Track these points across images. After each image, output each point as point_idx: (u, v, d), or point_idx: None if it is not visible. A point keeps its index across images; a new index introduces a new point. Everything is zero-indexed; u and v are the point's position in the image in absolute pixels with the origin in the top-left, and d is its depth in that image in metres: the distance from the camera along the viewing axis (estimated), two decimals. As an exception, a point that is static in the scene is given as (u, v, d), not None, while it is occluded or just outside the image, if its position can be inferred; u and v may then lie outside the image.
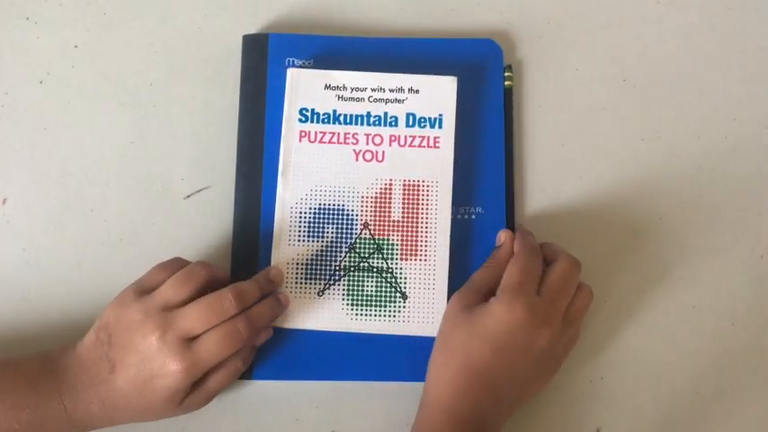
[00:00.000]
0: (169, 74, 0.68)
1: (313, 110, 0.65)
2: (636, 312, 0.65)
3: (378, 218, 0.63)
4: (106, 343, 0.56)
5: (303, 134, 0.64)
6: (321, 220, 0.63)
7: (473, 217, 0.65)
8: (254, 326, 0.57)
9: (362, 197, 0.64)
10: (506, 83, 0.67)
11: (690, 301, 0.65)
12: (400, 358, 0.62)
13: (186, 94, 0.68)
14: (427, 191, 0.64)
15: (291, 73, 0.65)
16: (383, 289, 0.63)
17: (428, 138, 0.64)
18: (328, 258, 0.63)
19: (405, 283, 0.63)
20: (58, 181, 0.66)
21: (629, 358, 0.64)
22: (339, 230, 0.63)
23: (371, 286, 0.63)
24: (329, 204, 0.63)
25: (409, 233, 0.63)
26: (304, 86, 0.65)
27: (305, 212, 0.63)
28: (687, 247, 0.66)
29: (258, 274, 0.61)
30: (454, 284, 0.62)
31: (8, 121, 0.67)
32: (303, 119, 0.64)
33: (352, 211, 0.63)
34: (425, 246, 0.63)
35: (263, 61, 0.66)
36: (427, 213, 0.63)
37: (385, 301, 0.62)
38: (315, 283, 0.62)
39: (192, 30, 0.69)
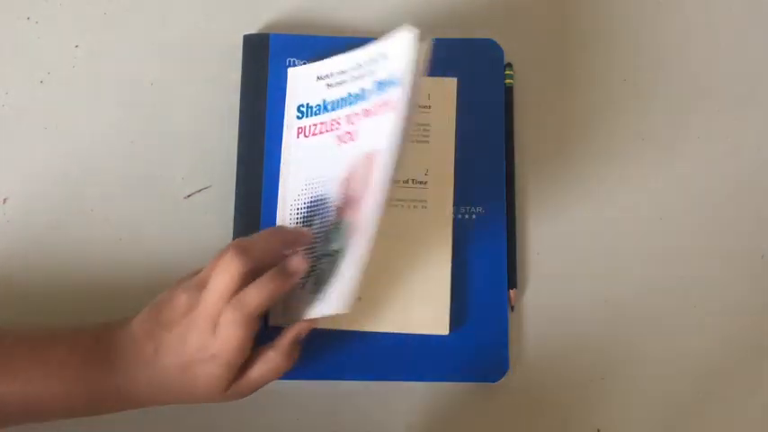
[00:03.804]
0: (169, 74, 0.68)
1: (308, 104, 0.64)
2: (636, 312, 0.65)
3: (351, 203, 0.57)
4: (154, 320, 0.55)
5: (300, 130, 0.64)
6: (312, 214, 0.61)
7: (473, 217, 0.65)
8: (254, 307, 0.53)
9: (340, 182, 0.59)
10: (507, 81, 0.67)
11: (690, 301, 0.65)
12: (400, 358, 0.62)
13: (186, 94, 0.68)
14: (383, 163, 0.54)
15: (291, 73, 0.65)
16: (383, 287, 0.62)
17: (390, 102, 0.56)
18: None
19: None
20: (58, 181, 0.66)
21: (629, 358, 0.64)
22: (323, 222, 0.59)
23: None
24: (317, 196, 0.61)
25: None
26: (302, 84, 0.64)
27: (301, 209, 0.62)
28: (687, 246, 0.66)
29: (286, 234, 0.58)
30: (455, 283, 0.62)
31: (8, 121, 0.67)
32: (300, 115, 0.64)
33: (331, 198, 0.59)
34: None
35: (264, 61, 0.66)
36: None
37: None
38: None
39: (192, 30, 0.69)
